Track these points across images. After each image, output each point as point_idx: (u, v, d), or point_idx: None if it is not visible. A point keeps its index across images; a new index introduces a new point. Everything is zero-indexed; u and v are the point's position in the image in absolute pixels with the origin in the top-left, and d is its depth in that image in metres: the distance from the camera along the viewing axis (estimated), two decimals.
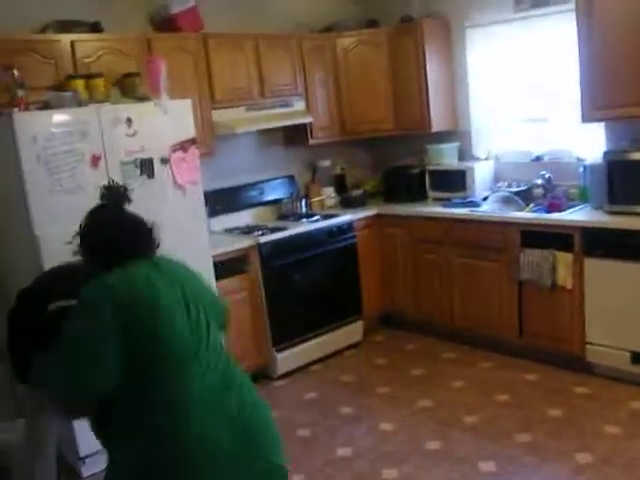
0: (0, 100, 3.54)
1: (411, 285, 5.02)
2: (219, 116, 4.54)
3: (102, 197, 2.18)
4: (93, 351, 1.71)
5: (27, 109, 3.37)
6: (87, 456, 3.56)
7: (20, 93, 3.38)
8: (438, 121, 5.11)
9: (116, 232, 2.03)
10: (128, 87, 3.92)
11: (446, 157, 5.14)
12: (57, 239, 3.31)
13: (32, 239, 3.29)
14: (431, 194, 5.17)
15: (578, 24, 4.02)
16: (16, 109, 3.29)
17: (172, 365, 1.77)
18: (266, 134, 5.21)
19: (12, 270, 3.61)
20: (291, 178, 5.38)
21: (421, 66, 5.01)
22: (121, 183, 2.20)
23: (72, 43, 3.89)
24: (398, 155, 5.69)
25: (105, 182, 2.32)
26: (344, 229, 4.88)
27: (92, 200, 3.37)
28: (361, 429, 3.78)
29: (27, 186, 3.24)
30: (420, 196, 5.21)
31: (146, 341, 1.74)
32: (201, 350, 1.84)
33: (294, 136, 5.26)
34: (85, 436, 3.46)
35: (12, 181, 3.30)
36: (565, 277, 4.03)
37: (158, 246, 2.12)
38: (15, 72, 3.38)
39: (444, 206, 4.83)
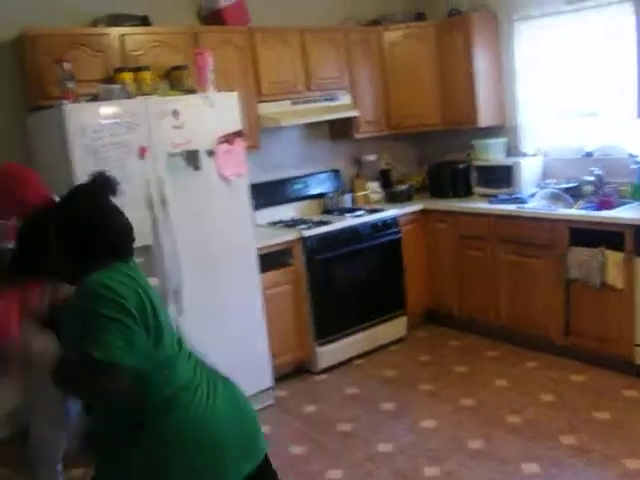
0: (52, 92, 3.62)
1: (456, 281, 4.96)
2: (265, 109, 4.55)
3: (94, 183, 1.99)
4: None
5: (77, 101, 3.42)
6: None
7: (70, 85, 3.44)
8: (485, 116, 5.03)
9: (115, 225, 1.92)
10: (175, 80, 3.96)
11: (493, 152, 5.06)
12: None
13: None
14: (477, 190, 5.10)
15: (638, 14, 3.90)
16: (66, 101, 3.34)
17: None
18: (311, 128, 5.21)
19: None
20: (336, 172, 5.36)
21: (469, 60, 4.94)
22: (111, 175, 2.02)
23: (121, 37, 3.94)
24: (444, 150, 5.62)
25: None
26: (389, 224, 4.85)
27: (139, 191, 3.48)
28: (403, 425, 3.75)
29: (76, 176, 3.29)
30: (466, 192, 5.15)
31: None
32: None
33: (339, 130, 5.24)
34: None
35: (63, 172, 3.35)
36: (615, 276, 3.92)
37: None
38: (66, 65, 3.43)
39: (490, 202, 4.75)
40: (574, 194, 4.43)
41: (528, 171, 4.82)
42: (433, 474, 3.21)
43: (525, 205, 4.49)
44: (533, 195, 4.61)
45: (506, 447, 3.38)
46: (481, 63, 4.96)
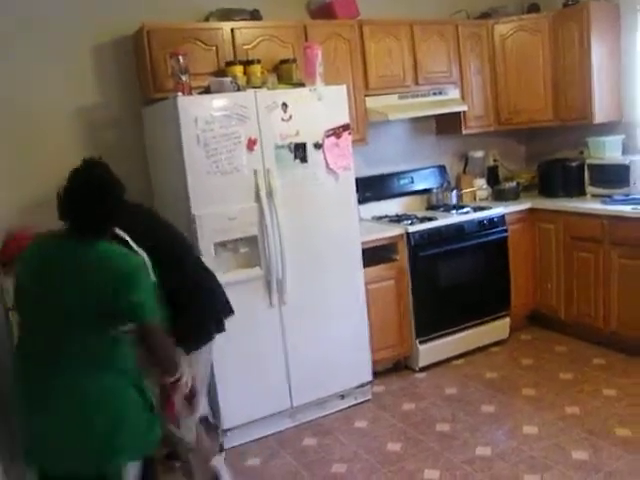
0: (166, 85, 3.75)
1: (564, 284, 4.77)
2: (372, 103, 4.53)
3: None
4: None
5: (190, 94, 3.52)
6: (229, 429, 3.69)
7: (184, 78, 3.53)
8: (601, 112, 4.78)
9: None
10: (284, 73, 4.00)
11: (608, 150, 4.82)
12: (212, 220, 3.46)
13: (190, 218, 3.43)
14: (590, 189, 4.87)
15: None
16: (180, 93, 3.44)
17: None
18: (418, 122, 5.14)
19: None
20: (442, 168, 5.27)
21: (585, 53, 4.71)
22: None
23: (232, 31, 4.01)
24: (555, 147, 5.41)
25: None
26: (495, 222, 4.72)
27: (247, 182, 3.54)
28: (503, 430, 3.65)
29: (187, 166, 3.39)
30: (577, 191, 4.92)
31: None
32: None
33: (447, 125, 5.15)
34: (228, 410, 3.63)
35: (176, 161, 3.45)
36: None
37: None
38: (180, 59, 3.53)
39: (604, 202, 4.53)
40: None
41: None
42: None
43: None
44: None
45: (613, 461, 3.21)
46: (599, 56, 4.71)
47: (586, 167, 4.88)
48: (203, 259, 3.28)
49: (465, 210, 4.78)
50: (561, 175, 5.02)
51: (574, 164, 4.97)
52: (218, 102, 3.47)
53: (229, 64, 3.84)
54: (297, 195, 3.73)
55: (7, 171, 3.74)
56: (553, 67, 4.97)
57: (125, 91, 4.07)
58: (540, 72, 5.02)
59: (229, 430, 3.69)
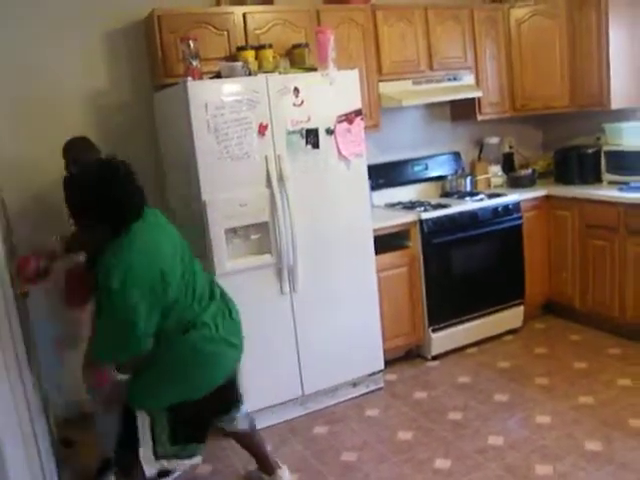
0: (177, 71, 3.72)
1: (579, 273, 4.71)
2: (385, 88, 4.47)
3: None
4: None
5: (201, 78, 3.49)
6: None
7: (195, 63, 3.50)
8: (619, 97, 4.69)
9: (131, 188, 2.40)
10: (296, 58, 3.95)
11: (626, 137, 4.72)
12: (222, 206, 3.44)
13: (200, 204, 3.41)
14: (606, 177, 4.78)
15: None
16: (190, 78, 3.40)
17: None
18: (432, 108, 5.09)
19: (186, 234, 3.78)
20: (457, 155, 5.22)
21: (603, 37, 4.60)
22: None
23: (244, 15, 3.97)
24: (572, 134, 5.33)
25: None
26: (510, 210, 4.66)
27: (258, 167, 3.51)
28: (515, 419, 3.61)
29: (197, 152, 3.36)
30: (594, 178, 4.84)
31: None
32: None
33: (461, 111, 5.08)
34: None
35: (187, 146, 3.43)
36: None
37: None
38: (191, 43, 3.50)
39: (621, 190, 4.45)
40: None
41: None
42: (545, 473, 3.06)
43: None
44: None
45: (627, 452, 3.17)
46: (617, 40, 4.60)
47: (603, 154, 4.79)
48: (214, 245, 3.26)
49: (479, 197, 4.73)
50: (577, 162, 4.95)
51: (591, 151, 4.89)
52: (229, 87, 3.44)
53: (240, 49, 3.80)
54: (308, 181, 3.69)
55: (22, 155, 3.76)
56: (570, 52, 4.88)
57: (136, 76, 4.06)
58: (556, 57, 4.94)
59: None
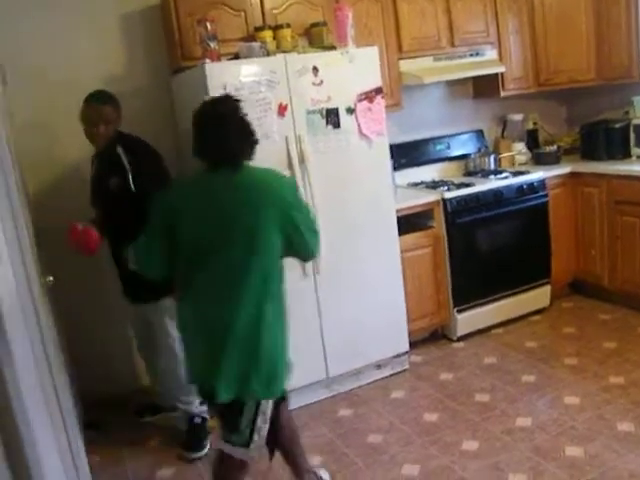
0: (194, 53, 3.68)
1: (607, 250, 4.61)
2: (406, 66, 4.40)
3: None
4: None
5: (219, 60, 3.44)
6: None
7: (212, 45, 3.45)
8: None
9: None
10: (315, 37, 3.89)
11: None
12: None
13: None
14: (635, 151, 4.66)
15: None
16: (208, 60, 3.36)
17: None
18: (454, 85, 4.99)
19: None
20: (480, 132, 5.13)
21: (632, 6, 4.45)
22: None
23: None
24: (598, 108, 5.21)
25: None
26: (535, 187, 4.56)
27: (278, 148, 3.47)
28: (543, 400, 3.55)
29: None
30: (622, 153, 4.72)
31: None
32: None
33: (484, 88, 4.98)
34: None
35: None
36: None
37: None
38: (208, 25, 3.45)
39: None
40: None
41: None
42: (575, 455, 3.00)
43: None
44: None
45: None
46: None
47: (632, 128, 4.67)
48: None
49: (504, 175, 4.64)
50: (604, 137, 4.83)
51: (618, 125, 4.77)
52: (247, 68, 3.39)
53: (258, 29, 3.75)
54: (330, 161, 3.64)
55: (39, 143, 3.74)
56: (596, 23, 4.75)
57: (153, 60, 4.02)
58: (582, 29, 4.80)
59: None
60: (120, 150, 3.19)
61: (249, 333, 2.34)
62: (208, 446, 3.45)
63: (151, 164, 3.27)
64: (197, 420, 3.52)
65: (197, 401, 3.50)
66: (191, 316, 2.44)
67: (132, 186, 3.14)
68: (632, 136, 4.66)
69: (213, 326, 2.35)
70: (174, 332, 3.22)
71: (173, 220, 2.36)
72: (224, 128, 2.35)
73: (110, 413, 3.79)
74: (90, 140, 3.27)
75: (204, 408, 3.53)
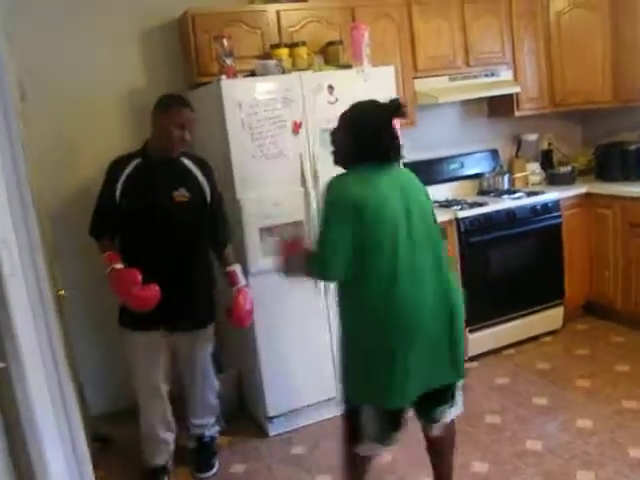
0: (211, 69, 3.71)
1: (621, 273, 4.58)
2: (421, 85, 4.41)
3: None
4: None
5: (235, 77, 3.46)
6: (274, 417, 3.66)
7: (229, 62, 3.48)
8: None
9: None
10: (331, 55, 3.91)
11: None
12: (257, 205, 3.41)
13: (235, 203, 3.40)
14: None
15: None
16: (224, 76, 3.38)
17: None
18: (469, 105, 5.00)
19: None
20: (494, 152, 5.12)
21: None
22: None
23: (278, 13, 3.95)
24: (614, 129, 5.19)
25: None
26: (549, 208, 4.55)
27: (292, 166, 3.48)
28: (555, 423, 3.52)
29: (231, 150, 3.34)
30: (637, 175, 4.70)
31: None
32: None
33: (499, 107, 4.98)
34: (273, 397, 3.59)
35: (221, 145, 3.42)
36: None
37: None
38: (225, 42, 3.48)
39: None
40: None
41: None
42: None
43: None
44: None
45: None
46: None
47: None
48: (248, 243, 3.34)
49: (517, 195, 4.63)
50: (620, 158, 4.81)
51: (634, 147, 4.76)
52: (262, 85, 3.42)
53: (274, 47, 3.78)
54: None
55: (59, 158, 3.79)
56: (613, 45, 4.74)
57: (170, 75, 4.06)
58: (599, 50, 4.80)
59: (274, 418, 3.66)
60: (188, 162, 3.15)
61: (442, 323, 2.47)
62: (217, 465, 3.43)
63: (214, 179, 3.24)
64: (207, 439, 3.50)
65: (211, 422, 3.49)
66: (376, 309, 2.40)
67: (209, 199, 3.13)
68: None
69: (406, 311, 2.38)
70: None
71: (358, 218, 2.38)
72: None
73: (117, 428, 3.79)
74: (171, 145, 3.02)
75: (217, 428, 3.53)
